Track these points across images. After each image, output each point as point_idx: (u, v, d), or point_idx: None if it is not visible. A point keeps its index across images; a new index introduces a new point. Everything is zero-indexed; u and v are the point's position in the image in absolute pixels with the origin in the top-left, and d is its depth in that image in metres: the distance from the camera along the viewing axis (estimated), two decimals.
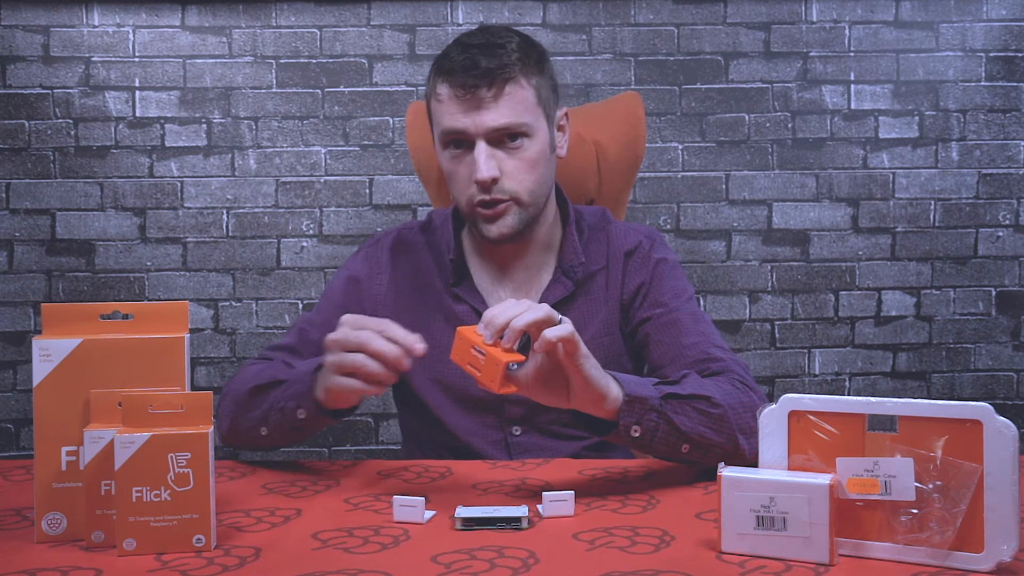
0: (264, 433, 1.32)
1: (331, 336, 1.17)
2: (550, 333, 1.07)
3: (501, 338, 1.08)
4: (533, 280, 1.47)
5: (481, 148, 1.34)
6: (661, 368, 1.39)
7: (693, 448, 1.20)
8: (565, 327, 1.08)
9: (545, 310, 1.08)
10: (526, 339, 1.10)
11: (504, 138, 1.35)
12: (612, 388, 1.15)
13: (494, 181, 1.34)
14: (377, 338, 1.13)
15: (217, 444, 1.09)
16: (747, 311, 3.01)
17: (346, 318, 1.17)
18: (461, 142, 1.37)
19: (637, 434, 1.16)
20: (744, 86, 2.97)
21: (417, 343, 1.13)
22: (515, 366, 1.11)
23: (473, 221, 1.40)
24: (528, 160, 1.36)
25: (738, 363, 1.33)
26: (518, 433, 1.45)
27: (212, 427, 0.97)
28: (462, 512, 1.04)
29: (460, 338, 1.10)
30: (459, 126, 1.35)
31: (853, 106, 2.99)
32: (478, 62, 1.33)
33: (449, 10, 2.92)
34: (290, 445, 1.36)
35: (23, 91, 2.88)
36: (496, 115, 1.34)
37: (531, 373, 1.12)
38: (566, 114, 1.47)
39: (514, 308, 1.08)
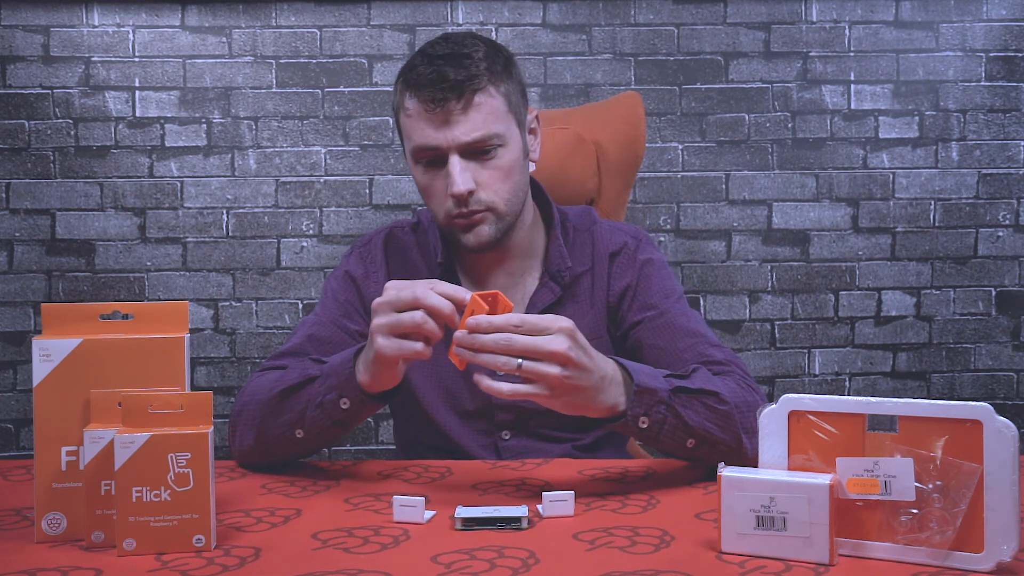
0: (300, 435, 1.25)
1: (380, 299, 1.14)
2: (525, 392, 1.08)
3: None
4: (518, 286, 1.46)
5: (455, 162, 1.32)
6: None
7: (698, 443, 1.20)
8: (543, 395, 1.09)
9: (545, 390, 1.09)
10: None
11: (477, 149, 1.33)
12: (611, 397, 1.14)
13: (470, 194, 1.33)
14: (431, 293, 1.11)
15: (216, 451, 1.08)
16: (747, 311, 3.01)
17: (391, 284, 1.15)
18: (434, 158, 1.35)
19: (645, 425, 1.16)
20: (744, 86, 2.97)
21: (467, 294, 1.11)
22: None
23: (451, 233, 1.39)
24: (502, 169, 1.35)
25: (738, 363, 1.33)
26: (507, 437, 1.45)
27: (212, 427, 0.97)
28: (462, 512, 1.04)
29: (470, 305, 1.09)
30: (431, 143, 1.32)
31: (853, 106, 2.99)
32: (446, 74, 1.30)
33: (449, 10, 2.92)
34: (328, 445, 1.29)
35: (23, 91, 2.88)
36: (468, 128, 1.31)
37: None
38: (536, 116, 1.45)
39: (529, 347, 1.07)
